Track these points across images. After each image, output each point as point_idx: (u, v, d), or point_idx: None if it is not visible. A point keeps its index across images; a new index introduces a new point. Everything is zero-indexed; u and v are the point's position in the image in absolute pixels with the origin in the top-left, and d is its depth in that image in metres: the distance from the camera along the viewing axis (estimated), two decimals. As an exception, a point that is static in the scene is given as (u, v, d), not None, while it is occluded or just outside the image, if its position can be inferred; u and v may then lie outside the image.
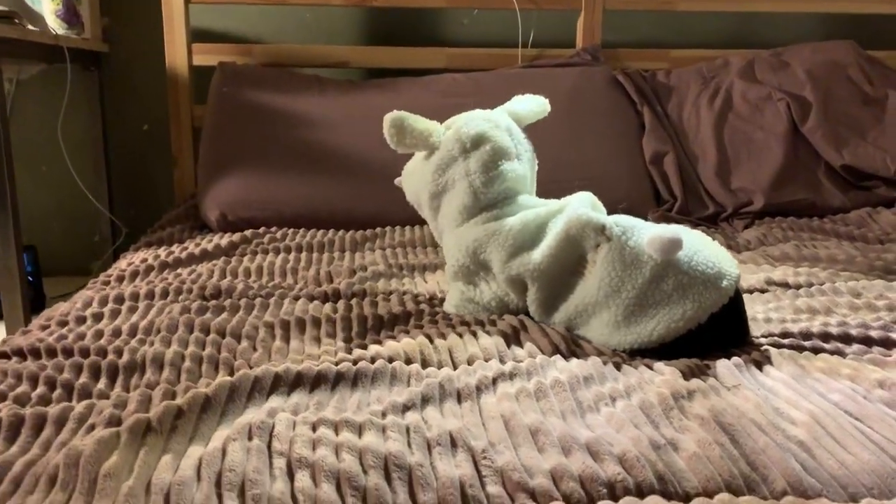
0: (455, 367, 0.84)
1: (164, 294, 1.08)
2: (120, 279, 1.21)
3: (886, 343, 0.94)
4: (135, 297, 1.07)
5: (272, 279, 1.18)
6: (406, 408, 0.71)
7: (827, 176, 1.65)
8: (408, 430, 0.65)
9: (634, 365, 0.84)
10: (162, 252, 1.36)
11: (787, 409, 0.73)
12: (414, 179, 1.11)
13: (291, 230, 1.47)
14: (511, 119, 1.10)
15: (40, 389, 0.77)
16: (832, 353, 0.91)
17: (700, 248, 0.92)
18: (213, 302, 1.04)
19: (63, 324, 0.96)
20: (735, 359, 0.84)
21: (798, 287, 1.18)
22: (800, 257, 1.33)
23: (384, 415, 0.70)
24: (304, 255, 1.33)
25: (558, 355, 0.85)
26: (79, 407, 0.69)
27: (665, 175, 1.66)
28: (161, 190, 1.99)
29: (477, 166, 1.03)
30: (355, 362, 0.82)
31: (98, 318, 0.98)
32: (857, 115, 1.71)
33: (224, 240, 1.40)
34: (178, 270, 1.23)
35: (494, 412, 0.70)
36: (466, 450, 0.63)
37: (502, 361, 0.85)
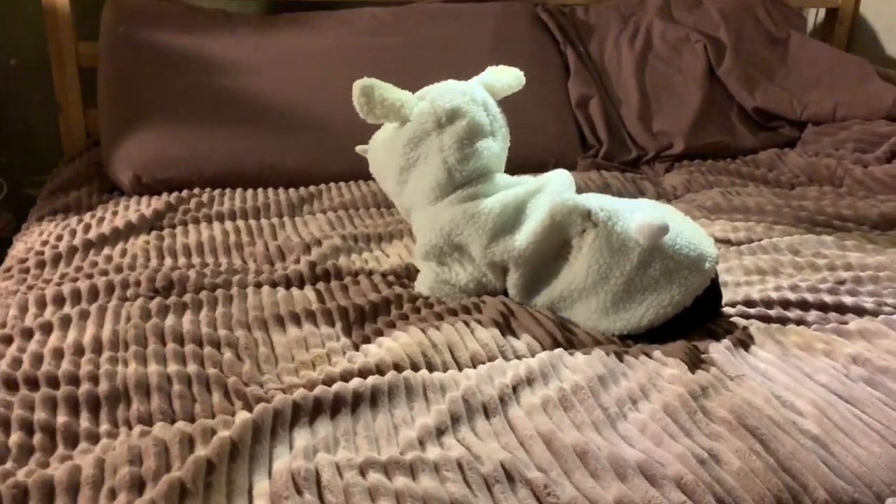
0: (460, 368, 0.82)
1: (110, 289, 0.97)
2: (41, 265, 1.08)
3: (840, 308, 1.00)
4: (77, 295, 0.95)
5: (218, 260, 1.10)
6: (440, 432, 0.69)
7: (739, 118, 1.72)
8: (460, 466, 0.63)
9: (634, 353, 0.85)
10: (76, 224, 1.22)
11: (789, 397, 0.77)
12: (382, 151, 1.05)
13: (217, 192, 1.36)
14: (486, 92, 1.06)
15: (16, 436, 0.68)
16: (797, 322, 0.97)
17: (681, 229, 0.93)
18: (171, 298, 0.95)
19: (7, 340, 0.85)
20: (724, 342, 0.87)
21: (739, 244, 1.24)
22: (731, 208, 1.38)
23: (422, 444, 0.67)
24: (241, 224, 1.23)
25: (560, 350, 0.85)
26: (87, 469, 0.62)
27: (591, 119, 1.66)
28: (41, 138, 1.77)
29: (452, 142, 0.99)
30: (363, 374, 0.78)
31: (46, 329, 0.87)
32: (766, 57, 1.77)
33: (145, 207, 1.27)
34: (108, 252, 1.11)
35: (529, 430, 0.69)
36: (525, 483, 0.62)
37: (505, 357, 0.84)
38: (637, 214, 0.91)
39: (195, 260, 1.09)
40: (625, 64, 1.73)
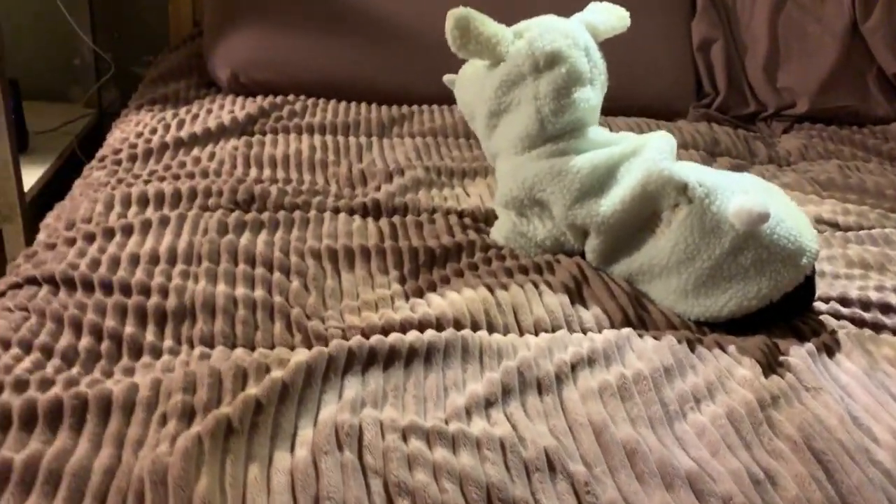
0: (521, 333, 0.80)
1: (192, 196, 0.98)
2: (132, 158, 1.10)
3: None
4: (160, 198, 0.97)
5: (302, 177, 1.09)
6: (489, 403, 0.68)
7: (876, 82, 1.56)
8: (502, 446, 0.62)
9: (707, 344, 0.81)
10: (171, 119, 1.23)
11: (867, 420, 0.72)
12: (471, 90, 1.00)
13: (311, 101, 1.34)
14: (588, 34, 0.98)
15: (86, 341, 0.71)
16: (894, 332, 0.90)
17: (783, 217, 0.86)
18: (250, 214, 0.95)
19: (90, 238, 0.87)
20: (808, 345, 0.82)
21: (848, 229, 1.15)
22: (846, 186, 1.28)
23: (469, 414, 0.66)
24: (329, 139, 1.22)
25: (629, 329, 0.81)
26: (143, 390, 0.64)
27: (710, 65, 1.55)
28: (152, 19, 1.78)
29: (548, 90, 0.93)
30: (422, 326, 0.77)
31: (127, 231, 0.89)
32: (922, 18, 1.59)
33: (239, 109, 1.27)
34: (197, 153, 1.13)
35: (581, 416, 0.67)
36: (566, 476, 0.61)
37: (570, 328, 0.81)
38: (738, 196, 0.84)
39: (279, 174, 1.09)
40: (758, 6, 1.59)
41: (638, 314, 0.85)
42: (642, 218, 0.89)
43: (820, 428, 0.69)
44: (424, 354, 0.73)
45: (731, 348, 0.80)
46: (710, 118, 1.49)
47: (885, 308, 0.94)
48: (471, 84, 1.00)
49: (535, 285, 0.87)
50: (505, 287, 0.85)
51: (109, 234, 0.89)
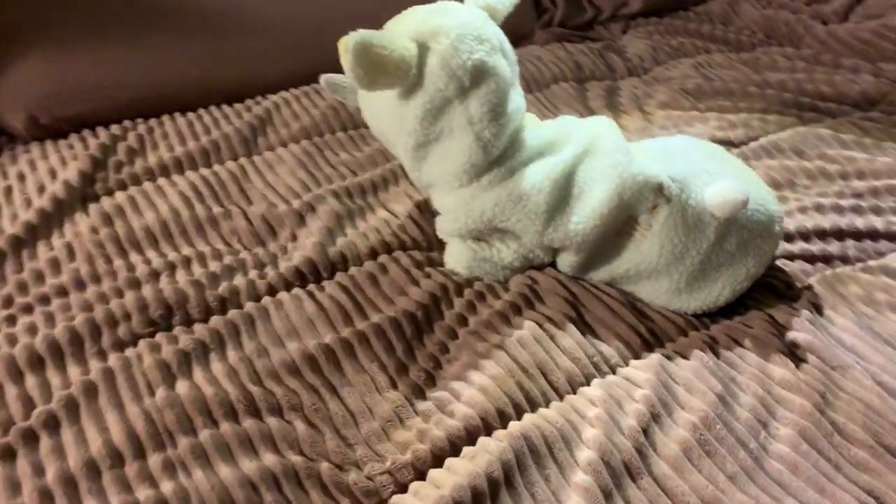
0: (560, 397, 0.74)
1: (95, 331, 0.77)
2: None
3: (872, 235, 0.99)
4: (56, 351, 0.75)
5: (199, 250, 0.89)
6: (598, 517, 0.62)
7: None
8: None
9: (724, 344, 0.80)
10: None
11: (891, 383, 0.76)
12: (386, 120, 0.85)
13: (144, 129, 1.08)
14: (491, 21, 0.86)
15: None
16: (842, 260, 0.95)
17: (748, 186, 0.85)
18: (182, 339, 0.76)
19: None
20: (805, 314, 0.84)
21: (740, 144, 1.18)
22: (714, 91, 1.30)
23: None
24: (195, 178, 1.00)
25: (657, 356, 0.77)
26: None
27: (543, -21, 1.47)
28: None
29: (482, 112, 0.81)
30: (470, 436, 0.68)
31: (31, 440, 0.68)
32: None
33: (62, 167, 1.00)
34: (48, 253, 0.87)
35: (687, 494, 0.64)
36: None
37: (598, 370, 0.76)
38: (710, 186, 0.81)
39: (171, 253, 0.88)
40: None
41: (647, 327, 0.82)
42: (618, 224, 0.84)
43: (875, 416, 0.72)
44: (504, 479, 0.64)
45: (747, 342, 0.80)
46: (560, 37, 1.44)
47: (821, 234, 0.98)
48: (384, 113, 0.85)
49: (540, 325, 0.80)
50: (516, 342, 0.77)
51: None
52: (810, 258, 0.95)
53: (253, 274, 0.86)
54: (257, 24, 1.17)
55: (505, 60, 0.85)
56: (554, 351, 0.77)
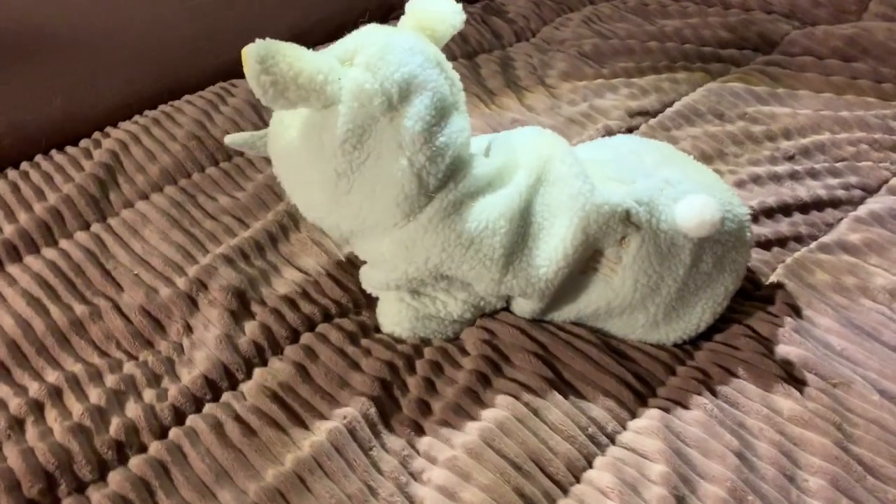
0: (565, 491, 0.62)
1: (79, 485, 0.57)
2: None
3: (818, 205, 0.93)
4: None
5: (63, 371, 0.69)
6: None
7: None
8: None
9: (718, 378, 0.71)
10: None
11: (890, 388, 0.70)
12: (299, 150, 0.68)
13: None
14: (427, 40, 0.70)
15: None
16: (796, 240, 0.89)
17: (712, 193, 0.75)
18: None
19: None
20: (789, 321, 0.76)
21: (656, 113, 1.08)
22: (613, 51, 1.20)
23: None
24: (36, 265, 0.78)
25: (656, 412, 0.67)
26: None
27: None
28: None
29: (415, 132, 0.66)
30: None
31: None
32: None
33: None
34: None
35: None
36: None
37: (596, 443, 0.65)
38: (679, 204, 0.70)
39: (28, 384, 0.68)
40: None
41: (633, 371, 0.71)
42: (583, 261, 0.72)
43: (892, 438, 0.66)
44: None
45: (741, 371, 0.72)
46: None
47: (769, 213, 0.92)
48: (296, 143, 0.68)
49: (518, 398, 0.67)
50: (500, 432, 0.64)
51: None
52: (766, 244, 0.88)
53: (149, 395, 0.67)
54: (71, 41, 0.93)
55: (444, 77, 0.69)
56: (543, 431, 0.65)
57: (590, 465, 0.64)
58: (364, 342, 0.73)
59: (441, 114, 0.67)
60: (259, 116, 1.00)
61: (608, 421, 0.67)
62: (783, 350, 0.74)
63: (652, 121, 1.07)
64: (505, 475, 0.62)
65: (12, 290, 0.76)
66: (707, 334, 0.76)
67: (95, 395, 0.67)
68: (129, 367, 0.70)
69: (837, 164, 0.98)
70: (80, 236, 0.83)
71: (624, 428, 0.67)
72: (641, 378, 0.71)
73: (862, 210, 0.92)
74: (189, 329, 0.74)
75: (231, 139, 0.74)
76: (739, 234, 0.74)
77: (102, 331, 0.73)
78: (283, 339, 0.73)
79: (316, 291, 0.78)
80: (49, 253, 0.80)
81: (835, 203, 0.94)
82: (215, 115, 0.99)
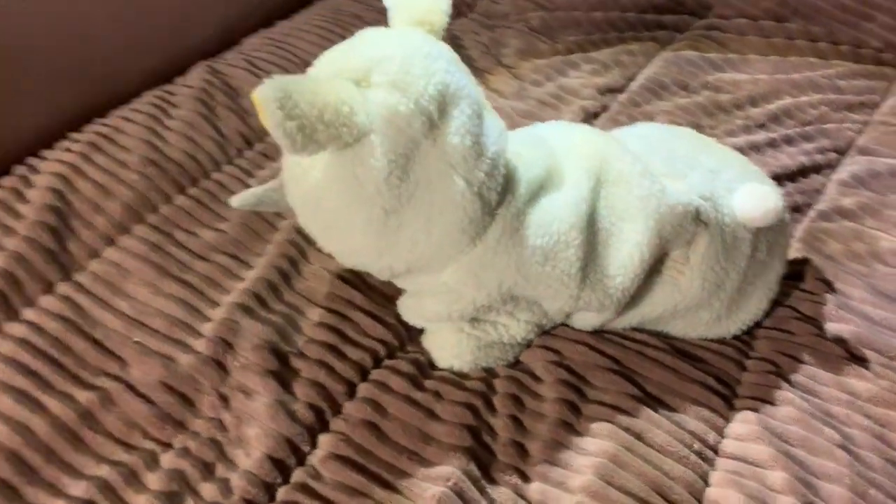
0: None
1: None
2: None
3: (803, 171, 0.95)
4: None
5: (135, 450, 0.56)
6: None
7: None
8: None
9: (789, 367, 0.70)
10: None
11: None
12: (334, 196, 0.59)
13: None
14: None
15: None
16: (794, 209, 0.89)
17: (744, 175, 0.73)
18: None
19: None
20: (829, 299, 0.76)
21: (622, 88, 1.06)
22: (559, 24, 1.15)
23: None
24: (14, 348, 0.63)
25: (753, 416, 0.65)
26: None
27: None
28: None
29: (466, 150, 0.59)
30: None
31: None
32: None
33: None
34: None
35: None
36: None
37: (707, 461, 0.62)
38: (737, 196, 0.68)
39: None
40: None
41: (709, 373, 0.69)
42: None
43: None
44: None
45: (805, 356, 0.72)
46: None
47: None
48: (331, 188, 0.58)
49: (612, 422, 0.63)
50: (613, 465, 0.60)
51: None
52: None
53: (209, 492, 0.56)
54: None
55: (468, 76, 0.62)
56: (654, 457, 0.62)
57: (706, 484, 0.62)
58: (428, 384, 0.66)
59: (482, 120, 0.60)
60: (213, 126, 0.87)
61: (707, 432, 0.65)
62: (834, 328, 0.74)
63: (621, 97, 1.04)
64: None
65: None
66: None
67: (143, 502, 0.55)
68: (169, 460, 0.58)
69: (807, 129, 1.00)
70: (47, 302, 0.68)
71: (722, 436, 0.65)
72: (719, 379, 0.69)
73: (843, 173, 0.94)
74: (224, 400, 0.63)
75: (239, 202, 0.64)
76: (781, 215, 0.74)
77: (120, 418, 0.60)
78: (339, 395, 0.64)
79: (355, 332, 0.69)
80: (13, 329, 0.65)
81: (817, 168, 0.96)
82: (163, 131, 0.84)
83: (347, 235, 0.61)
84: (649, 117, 1.00)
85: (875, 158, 0.96)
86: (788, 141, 0.99)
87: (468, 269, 0.63)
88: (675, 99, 1.04)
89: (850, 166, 0.95)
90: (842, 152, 0.98)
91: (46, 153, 0.82)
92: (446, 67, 0.59)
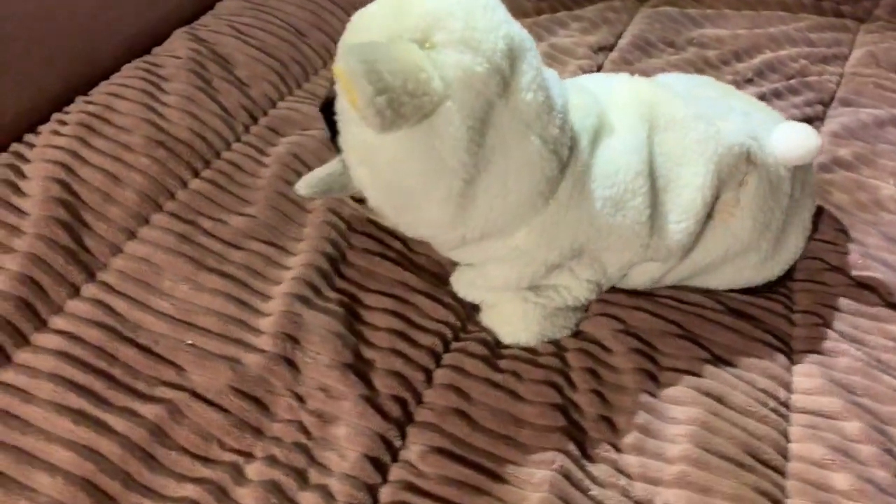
0: (783, 476, 0.60)
1: None
2: None
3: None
4: None
5: (215, 463, 0.51)
6: None
7: None
8: None
9: (828, 317, 0.72)
10: None
11: None
12: (409, 170, 0.55)
13: None
14: None
15: None
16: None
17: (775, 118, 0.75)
18: None
19: None
20: (852, 248, 0.79)
21: (612, 47, 1.05)
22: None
23: None
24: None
25: (817, 368, 0.67)
26: None
27: None
28: None
29: (538, 103, 0.57)
30: None
31: None
32: None
33: None
34: None
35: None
36: None
37: (786, 420, 0.63)
38: (775, 135, 0.69)
39: None
40: None
41: (765, 329, 0.70)
42: (703, 209, 0.68)
43: None
44: None
45: (843, 305, 0.74)
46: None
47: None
48: (408, 164, 0.55)
49: (707, 394, 0.62)
50: (706, 432, 0.60)
51: None
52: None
53: (311, 501, 0.52)
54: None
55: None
56: (738, 419, 0.62)
57: (787, 440, 0.63)
58: (503, 364, 0.64)
59: (541, 66, 0.58)
60: (214, 101, 0.79)
61: (776, 389, 0.66)
62: (863, 277, 0.77)
63: (612, 55, 1.03)
64: (739, 477, 0.58)
65: (35, 409, 0.53)
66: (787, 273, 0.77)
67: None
68: (256, 470, 0.54)
69: (791, 82, 1.03)
70: (77, 307, 0.60)
71: (790, 391, 0.67)
72: (775, 335, 0.71)
73: (833, 125, 0.97)
74: (300, 400, 0.58)
75: (306, 189, 0.59)
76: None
77: (193, 431, 0.55)
78: (419, 384, 0.61)
79: (419, 315, 0.65)
80: (47, 340, 0.58)
81: (808, 121, 0.97)
82: (162, 108, 0.77)
83: (424, 210, 0.58)
84: (643, 74, 0.99)
85: (858, 109, 1.00)
86: (777, 95, 1.01)
87: (542, 229, 0.60)
88: (665, 56, 1.04)
89: (838, 118, 0.98)
90: (826, 104, 1.01)
91: (32, 138, 0.73)
92: (506, 17, 0.57)
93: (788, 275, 0.76)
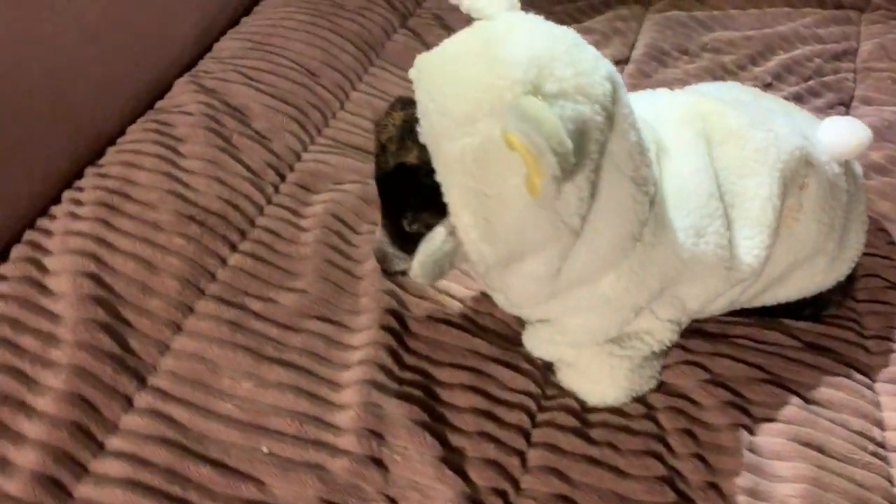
0: None
1: None
2: None
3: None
4: None
5: None
6: None
7: None
8: None
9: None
10: None
11: None
12: (528, 224, 0.51)
13: None
14: None
15: None
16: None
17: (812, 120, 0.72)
18: None
19: None
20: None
21: (627, 60, 1.01)
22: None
23: None
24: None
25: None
26: None
27: None
28: None
29: (631, 144, 0.54)
30: None
31: None
32: None
33: None
34: None
35: None
36: None
37: (889, 463, 0.61)
38: (825, 132, 0.67)
39: None
40: None
41: (846, 363, 0.68)
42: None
43: None
44: None
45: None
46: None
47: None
48: (527, 218, 0.50)
49: (807, 445, 0.60)
50: (817, 485, 0.57)
51: None
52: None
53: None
54: None
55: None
56: (844, 470, 0.60)
57: (892, 484, 0.61)
58: (594, 434, 0.60)
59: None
60: (237, 161, 0.73)
61: (870, 429, 0.64)
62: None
63: (629, 68, 1.00)
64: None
65: None
66: (840, 291, 0.74)
67: None
68: None
69: (810, 83, 1.01)
70: (132, 422, 0.54)
71: (883, 429, 0.64)
72: (855, 366, 0.68)
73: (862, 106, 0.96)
74: (393, 503, 0.53)
75: (426, 278, 0.55)
76: None
77: None
78: (515, 469, 0.56)
79: (498, 388, 0.61)
80: (108, 467, 0.52)
81: (840, 107, 0.97)
82: (184, 175, 0.70)
83: (528, 264, 0.53)
84: (662, 85, 0.95)
85: (880, 108, 0.98)
86: (799, 98, 0.99)
87: (630, 272, 0.57)
88: (681, 65, 1.01)
89: (862, 119, 0.96)
90: (846, 104, 1.00)
91: (47, 223, 0.66)
92: (596, 55, 0.53)
93: (852, 296, 0.75)
